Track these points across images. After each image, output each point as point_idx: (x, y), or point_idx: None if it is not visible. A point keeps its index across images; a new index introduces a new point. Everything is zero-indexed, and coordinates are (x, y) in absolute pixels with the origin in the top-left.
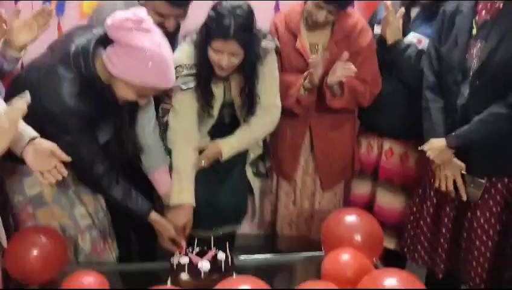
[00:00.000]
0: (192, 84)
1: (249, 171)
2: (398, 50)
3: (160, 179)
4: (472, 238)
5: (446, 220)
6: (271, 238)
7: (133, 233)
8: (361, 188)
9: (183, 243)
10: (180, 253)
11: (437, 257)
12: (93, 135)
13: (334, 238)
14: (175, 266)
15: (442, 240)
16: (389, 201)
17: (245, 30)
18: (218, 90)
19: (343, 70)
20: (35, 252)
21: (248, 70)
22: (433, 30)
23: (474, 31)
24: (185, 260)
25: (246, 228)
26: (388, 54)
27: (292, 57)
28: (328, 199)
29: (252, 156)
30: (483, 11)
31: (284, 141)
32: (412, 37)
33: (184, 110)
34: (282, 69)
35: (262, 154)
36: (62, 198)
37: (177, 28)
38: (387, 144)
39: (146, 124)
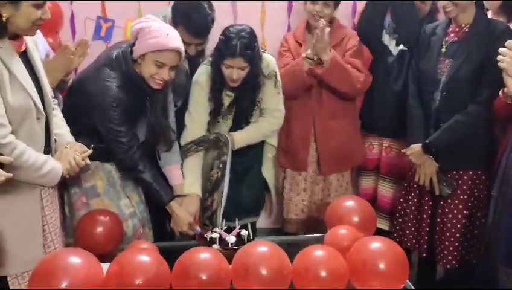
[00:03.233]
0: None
1: (266, 172)
2: None
3: (174, 173)
4: (445, 222)
5: (426, 207)
6: (282, 225)
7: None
8: (366, 183)
9: (198, 227)
10: (195, 237)
11: (421, 239)
12: (132, 126)
13: (335, 219)
14: (208, 239)
15: (424, 224)
16: (389, 191)
17: (249, 48)
18: (227, 100)
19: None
20: (100, 229)
21: (253, 81)
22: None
23: (444, 49)
24: (216, 235)
25: (266, 222)
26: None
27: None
28: (335, 186)
29: None
30: (452, 33)
31: (295, 136)
32: None
33: (197, 114)
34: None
35: None
36: (111, 191)
37: (200, 52)
38: (386, 142)
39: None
